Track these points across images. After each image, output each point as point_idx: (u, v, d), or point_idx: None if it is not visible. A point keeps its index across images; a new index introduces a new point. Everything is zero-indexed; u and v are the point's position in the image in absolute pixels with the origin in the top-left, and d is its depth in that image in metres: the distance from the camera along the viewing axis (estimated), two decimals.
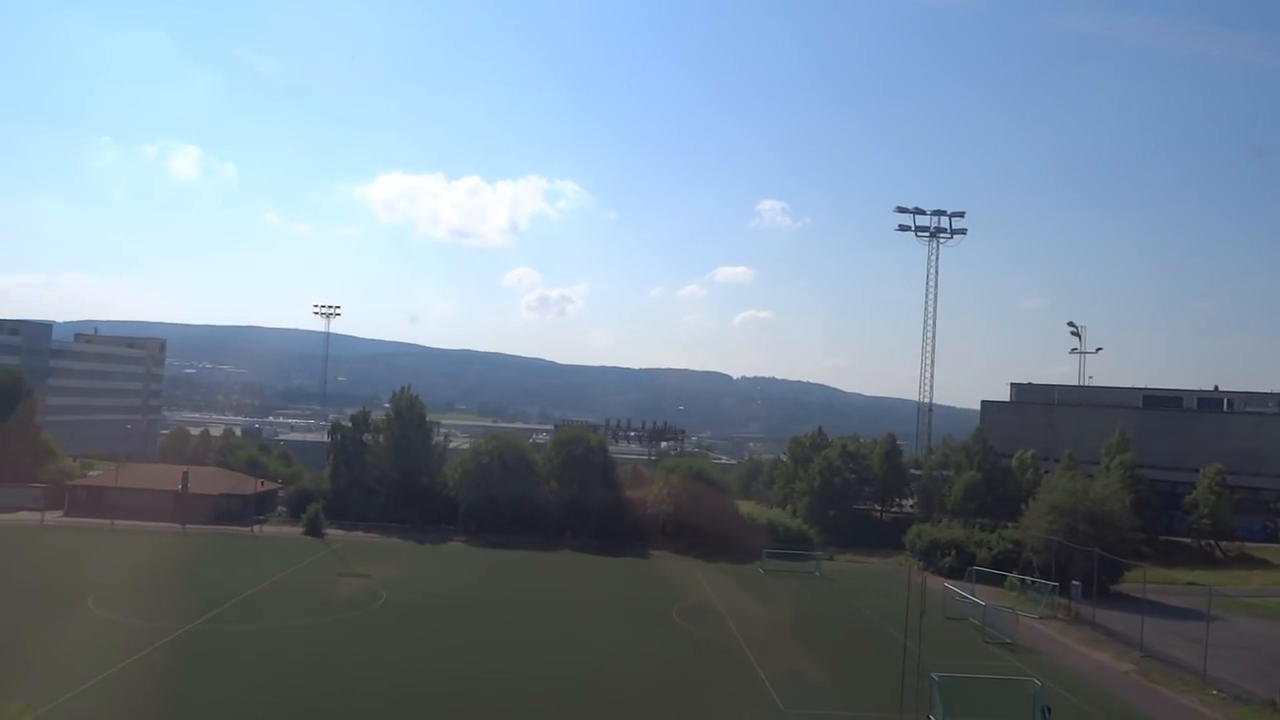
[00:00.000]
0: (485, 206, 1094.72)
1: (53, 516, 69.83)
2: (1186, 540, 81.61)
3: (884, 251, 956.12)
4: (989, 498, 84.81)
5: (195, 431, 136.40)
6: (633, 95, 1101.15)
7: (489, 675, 34.83)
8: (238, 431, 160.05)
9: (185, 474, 73.13)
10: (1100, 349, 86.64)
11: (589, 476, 72.36)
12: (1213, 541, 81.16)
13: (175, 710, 28.55)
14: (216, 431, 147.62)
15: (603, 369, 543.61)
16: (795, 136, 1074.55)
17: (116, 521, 68.28)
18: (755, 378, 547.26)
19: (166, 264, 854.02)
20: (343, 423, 79.64)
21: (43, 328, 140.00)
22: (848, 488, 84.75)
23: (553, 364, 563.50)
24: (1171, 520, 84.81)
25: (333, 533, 69.19)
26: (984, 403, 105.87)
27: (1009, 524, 68.73)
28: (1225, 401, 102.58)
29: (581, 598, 51.73)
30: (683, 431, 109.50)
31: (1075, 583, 55.74)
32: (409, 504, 73.19)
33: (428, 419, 78.92)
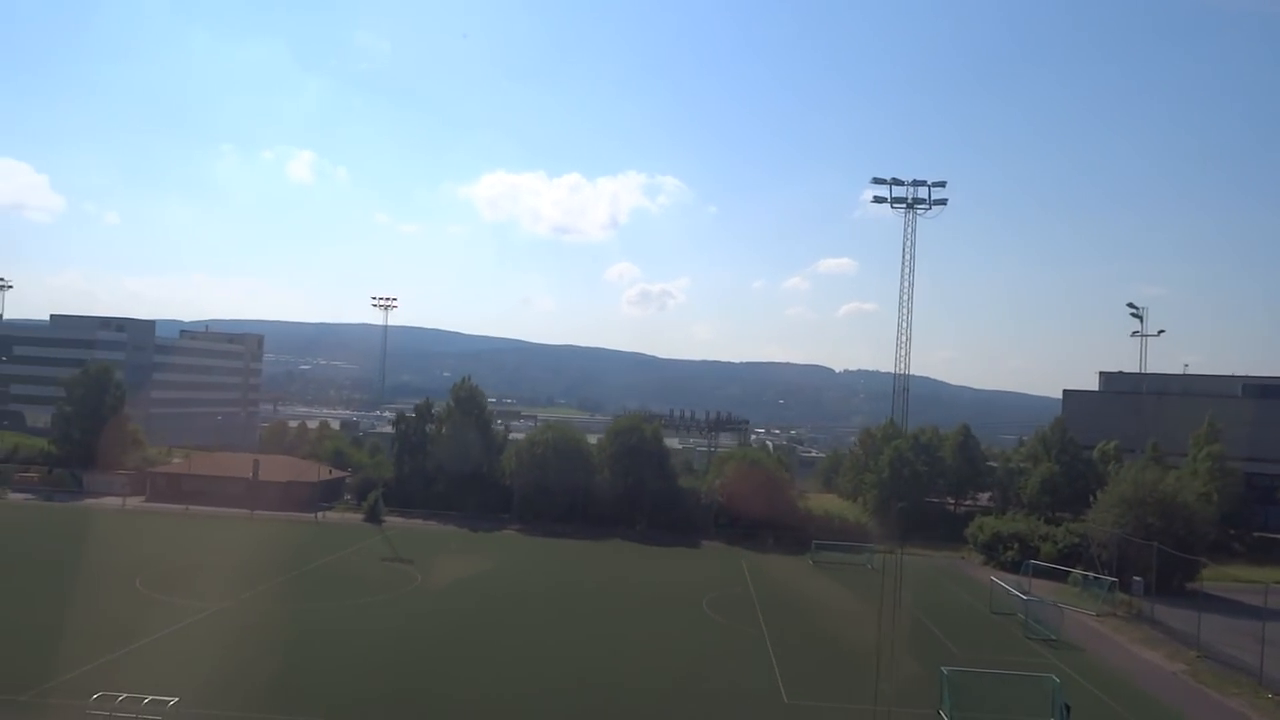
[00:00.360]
0: (585, 203, 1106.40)
1: (134, 502, 73.51)
2: None
3: (990, 240, 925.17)
4: (1067, 490, 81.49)
5: (294, 424, 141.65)
6: (731, 88, 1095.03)
7: (480, 655, 35.01)
8: (336, 424, 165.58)
9: (256, 462, 75.96)
10: (1162, 331, 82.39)
11: (642, 466, 72.14)
12: None
13: (174, 676, 29.43)
14: (318, 424, 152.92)
15: (704, 363, 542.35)
16: (896, 123, 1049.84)
17: (191, 507, 71.47)
18: (858, 371, 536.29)
19: (284, 265, 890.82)
20: (407, 414, 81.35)
21: (146, 326, 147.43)
22: (918, 479, 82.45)
23: (654, 358, 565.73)
24: (1268, 516, 79.57)
25: (392, 519, 70.89)
26: (1066, 392, 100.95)
27: (1079, 518, 65.64)
28: None
29: (612, 585, 51.67)
30: (746, 422, 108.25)
31: (1136, 579, 52.74)
32: (467, 492, 74.33)
33: (522, 412, 79.59)
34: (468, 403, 78.59)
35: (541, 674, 33.21)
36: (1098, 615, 49.81)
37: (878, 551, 65.34)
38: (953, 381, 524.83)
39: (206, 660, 32.23)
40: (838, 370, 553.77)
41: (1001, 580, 52.03)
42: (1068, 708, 30.71)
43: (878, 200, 37.69)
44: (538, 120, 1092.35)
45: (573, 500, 71.71)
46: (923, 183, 44.12)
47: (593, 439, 79.72)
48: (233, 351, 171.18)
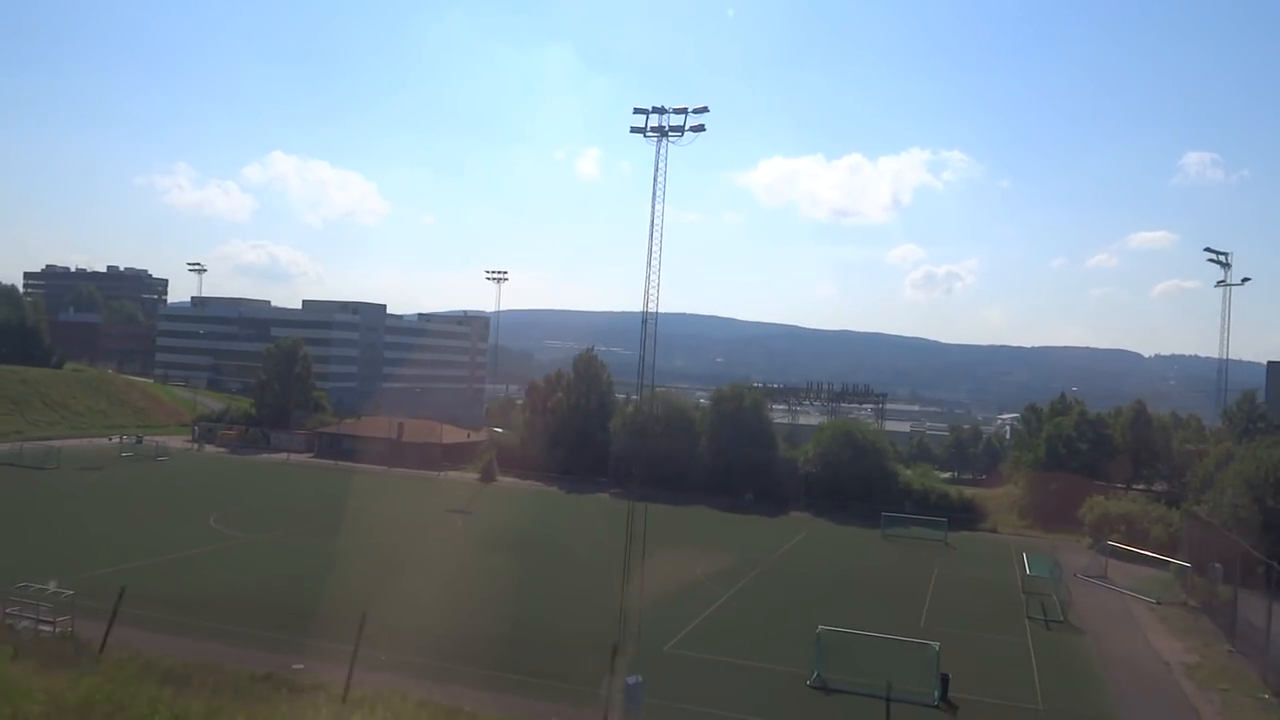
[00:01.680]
0: (866, 184, 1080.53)
1: (302, 458, 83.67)
2: None
3: None
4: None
5: (520, 401, 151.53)
6: (1021, 49, 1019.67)
7: (421, 592, 37.72)
8: None
9: (400, 425, 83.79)
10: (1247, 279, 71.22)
11: (739, 435, 71.84)
12: None
13: (175, 586, 34.53)
14: None
15: (991, 348, 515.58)
16: (1227, 74, 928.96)
17: (340, 462, 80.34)
18: (1172, 356, 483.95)
19: (574, 256, 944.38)
20: (538, 383, 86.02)
21: (378, 309, 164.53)
22: (1076, 459, 75.54)
23: (935, 343, 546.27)
24: None
25: (505, 479, 75.79)
26: (1270, 364, 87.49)
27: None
28: None
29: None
30: (883, 395, 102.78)
31: (1215, 565, 45.80)
32: (580, 457, 77.62)
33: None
34: (587, 372, 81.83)
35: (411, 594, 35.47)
36: (1158, 602, 44.07)
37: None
38: None
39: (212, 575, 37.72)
40: (1147, 355, 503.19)
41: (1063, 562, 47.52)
42: (946, 677, 28.58)
43: (634, 130, 31.35)
44: (814, 103, 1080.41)
45: (673, 466, 72.70)
46: (684, 110, 35.76)
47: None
48: (460, 333, 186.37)
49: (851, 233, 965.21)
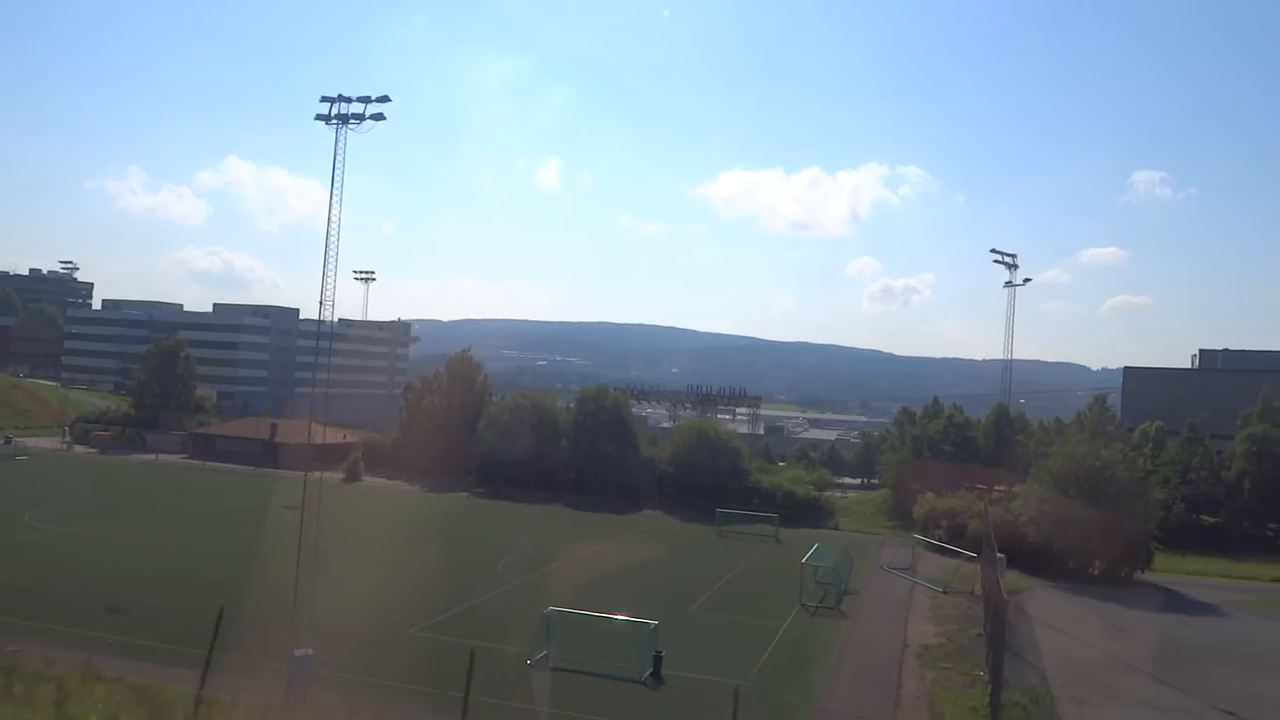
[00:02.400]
0: (825, 197, 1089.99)
1: (173, 459, 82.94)
2: None
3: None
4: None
5: None
6: (975, 70, 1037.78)
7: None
8: None
9: (273, 426, 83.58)
10: (1029, 280, 74.81)
11: (600, 435, 72.77)
12: None
13: None
14: None
15: (944, 360, 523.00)
16: (1178, 94, 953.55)
17: (210, 463, 79.87)
18: (1118, 369, 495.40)
19: (535, 266, 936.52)
20: (414, 384, 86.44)
21: (290, 313, 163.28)
22: (940, 460, 77.65)
23: (890, 355, 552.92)
24: None
25: (372, 479, 76.36)
26: (1127, 369, 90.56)
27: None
28: None
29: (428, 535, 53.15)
30: (758, 399, 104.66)
31: (1000, 555, 47.48)
32: (451, 457, 77.93)
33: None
34: (459, 374, 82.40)
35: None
36: (944, 591, 45.69)
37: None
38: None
39: None
40: (1094, 368, 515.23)
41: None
42: (659, 655, 29.54)
43: (319, 117, 31.32)
44: (774, 116, 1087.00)
45: (537, 466, 73.41)
46: (367, 98, 34.59)
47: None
48: (379, 338, 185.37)
49: (810, 245, 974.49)
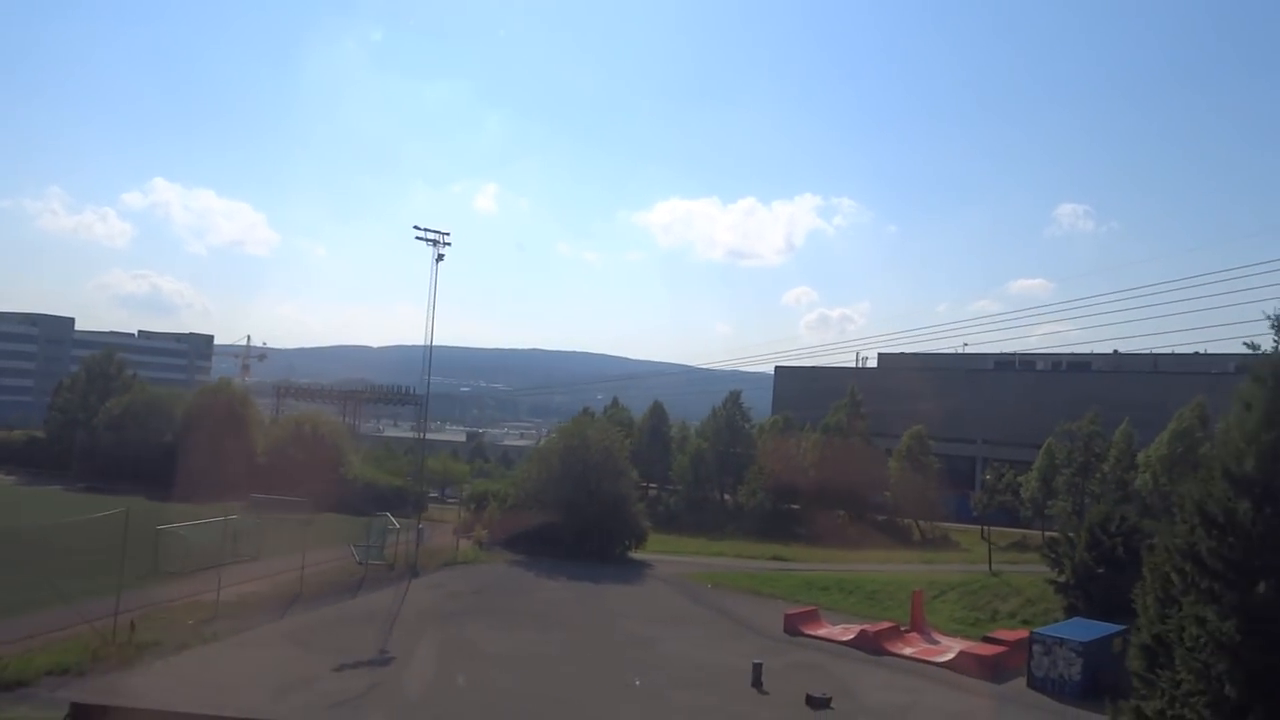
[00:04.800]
0: (761, 227, 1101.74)
1: None
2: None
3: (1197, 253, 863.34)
4: (715, 466, 78.46)
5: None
6: (902, 104, 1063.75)
7: None
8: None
9: None
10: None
11: (213, 430, 72.71)
12: (913, 520, 67.51)
13: None
14: None
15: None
16: (1098, 133, 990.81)
17: None
18: None
19: (471, 292, 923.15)
20: (65, 381, 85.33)
21: (64, 323, 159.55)
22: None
23: None
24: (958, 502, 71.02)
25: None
26: (778, 368, 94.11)
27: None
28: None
29: None
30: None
31: (421, 526, 49.04)
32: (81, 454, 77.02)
33: None
34: (100, 373, 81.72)
35: None
36: (361, 563, 46.80)
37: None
38: None
39: None
40: None
41: None
42: None
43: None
44: (710, 146, 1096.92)
45: (150, 461, 72.79)
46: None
47: None
48: (175, 350, 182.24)
49: (747, 274, 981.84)
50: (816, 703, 28.43)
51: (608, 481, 54.21)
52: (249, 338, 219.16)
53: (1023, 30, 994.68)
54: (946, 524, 67.10)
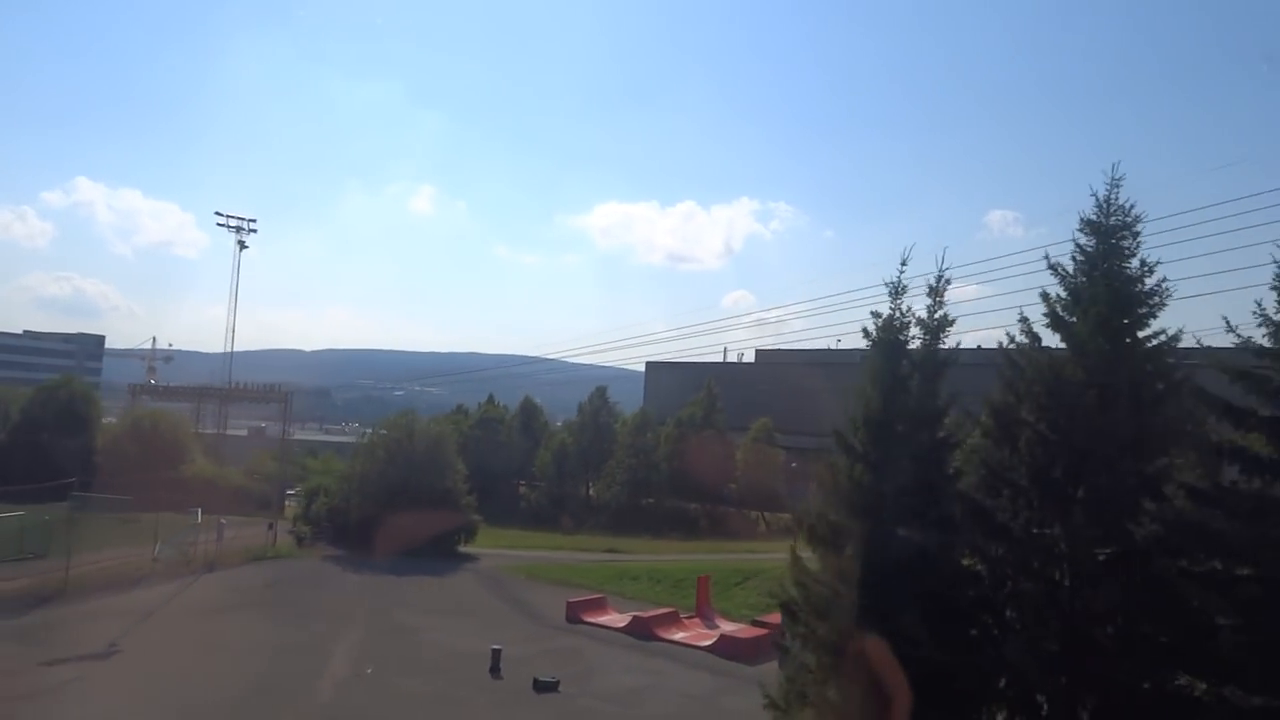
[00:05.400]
0: (699, 231, 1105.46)
1: None
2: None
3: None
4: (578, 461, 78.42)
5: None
6: (837, 111, 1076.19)
7: None
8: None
9: None
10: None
11: (58, 426, 70.29)
12: (759, 512, 68.00)
13: None
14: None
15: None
16: (1021, 142, 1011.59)
17: None
18: None
19: (408, 296, 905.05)
20: None
21: None
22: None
23: None
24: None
25: None
26: (649, 364, 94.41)
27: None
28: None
29: None
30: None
31: (223, 520, 47.78)
32: None
33: None
34: None
35: None
36: (155, 559, 45.24)
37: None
38: None
39: None
40: None
41: None
42: None
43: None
44: (648, 150, 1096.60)
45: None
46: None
47: None
48: (64, 350, 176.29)
49: (687, 278, 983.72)
50: (543, 686, 27.98)
51: (433, 475, 53.22)
52: (154, 339, 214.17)
53: (954, 38, 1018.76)
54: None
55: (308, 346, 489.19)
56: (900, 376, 17.56)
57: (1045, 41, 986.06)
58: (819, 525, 18.21)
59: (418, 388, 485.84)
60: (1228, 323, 15.44)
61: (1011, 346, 17.76)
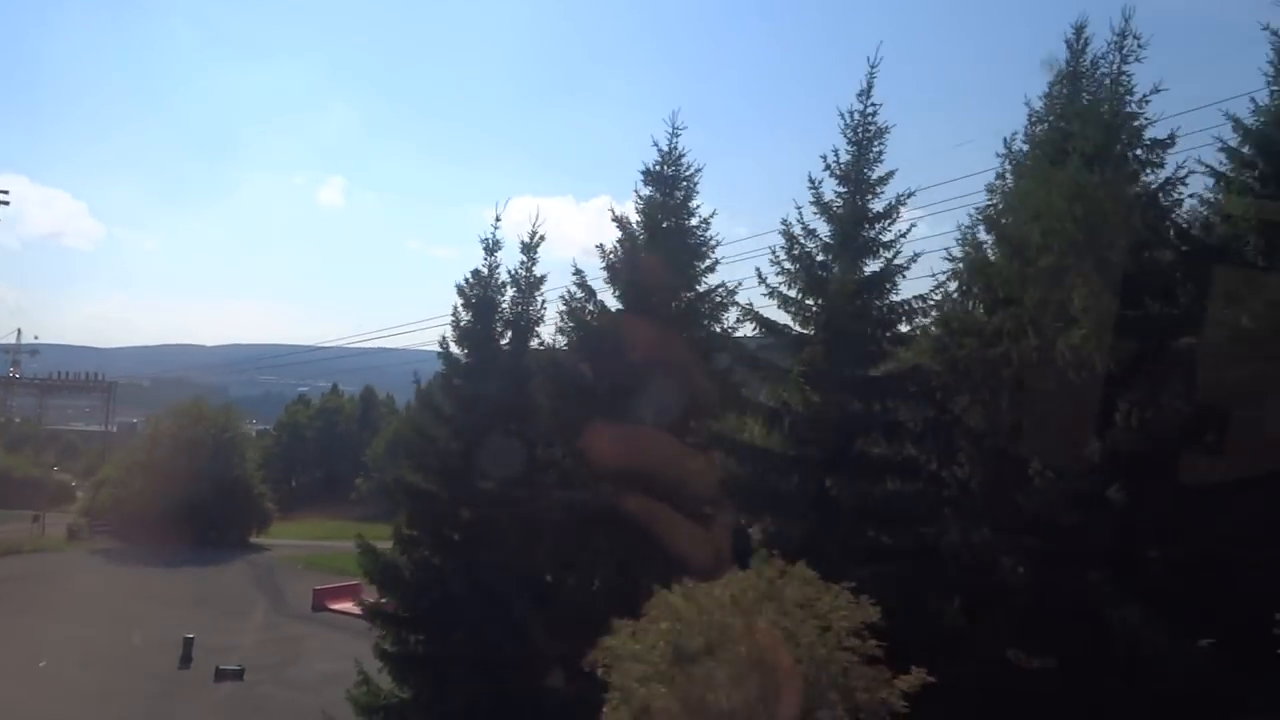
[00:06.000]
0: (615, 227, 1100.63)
1: None
2: None
3: None
4: None
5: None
6: (748, 102, 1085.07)
7: None
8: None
9: None
10: None
11: None
12: None
13: None
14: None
15: None
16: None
17: None
18: None
19: (315, 289, 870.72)
20: None
21: None
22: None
23: None
24: None
25: None
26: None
27: None
28: None
29: None
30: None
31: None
32: None
33: None
34: None
35: None
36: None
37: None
38: None
39: None
40: None
41: None
42: None
43: None
44: (564, 144, 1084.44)
45: None
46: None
47: None
48: None
49: (603, 272, 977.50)
50: (224, 675, 27.01)
51: (221, 465, 51.39)
52: (19, 332, 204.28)
53: (857, 34, 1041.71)
54: None
55: (210, 342, 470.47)
56: None
57: (932, 45, 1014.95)
58: None
59: (322, 383, 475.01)
60: None
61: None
